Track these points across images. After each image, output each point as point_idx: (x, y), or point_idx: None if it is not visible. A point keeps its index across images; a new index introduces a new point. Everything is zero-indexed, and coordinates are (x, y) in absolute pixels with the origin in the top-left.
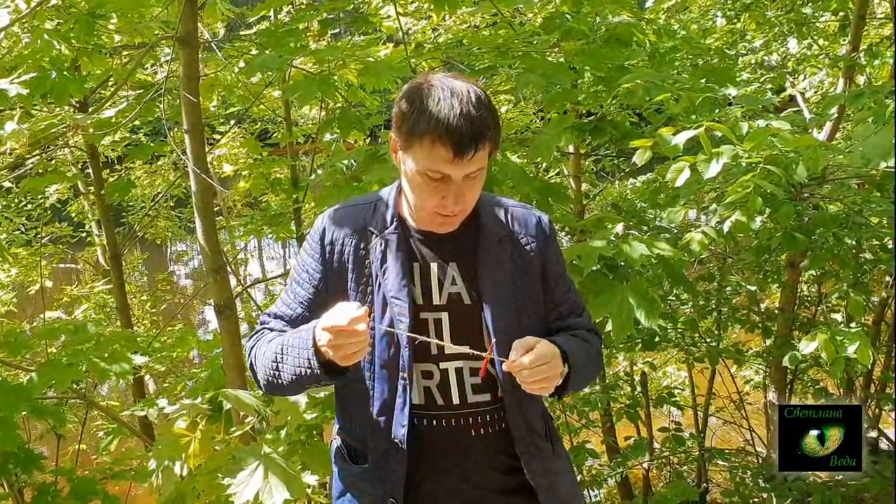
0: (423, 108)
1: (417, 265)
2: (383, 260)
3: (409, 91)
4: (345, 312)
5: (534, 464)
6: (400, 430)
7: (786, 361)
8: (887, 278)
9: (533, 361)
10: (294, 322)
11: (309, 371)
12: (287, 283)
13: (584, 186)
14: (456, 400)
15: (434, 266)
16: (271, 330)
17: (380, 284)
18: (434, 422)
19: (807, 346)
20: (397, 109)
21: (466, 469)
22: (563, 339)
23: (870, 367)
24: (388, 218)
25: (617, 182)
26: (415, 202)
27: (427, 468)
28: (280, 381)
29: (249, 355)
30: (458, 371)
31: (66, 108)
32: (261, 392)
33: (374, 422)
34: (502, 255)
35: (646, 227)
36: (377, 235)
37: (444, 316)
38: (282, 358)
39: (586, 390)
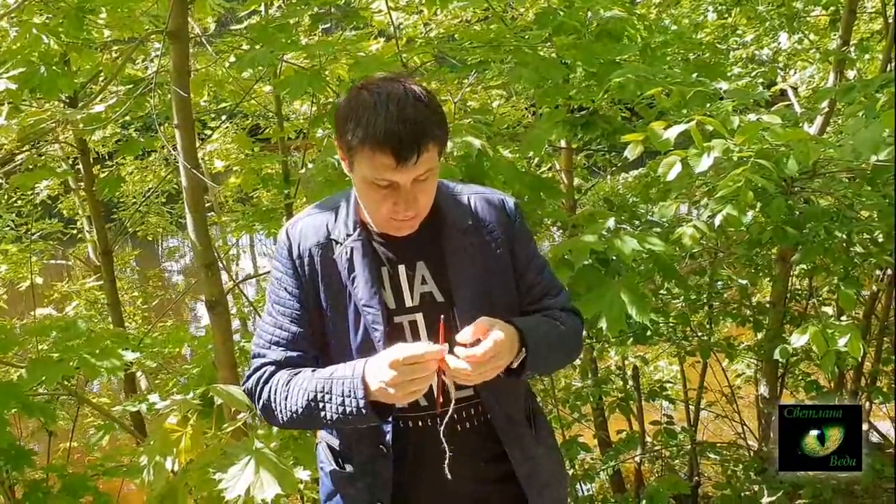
0: (360, 117)
1: (385, 269)
2: (350, 269)
3: (346, 100)
4: (417, 347)
5: (514, 451)
6: (385, 436)
7: (776, 355)
8: (877, 272)
9: (479, 362)
10: (293, 342)
11: (357, 418)
12: (266, 311)
13: (576, 181)
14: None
15: (402, 268)
16: (276, 364)
17: (349, 293)
18: (420, 423)
19: (798, 340)
20: (336, 119)
21: (452, 464)
22: (526, 319)
23: (860, 360)
24: (350, 225)
25: (609, 177)
26: (368, 212)
27: (414, 468)
28: (315, 423)
29: (258, 397)
30: (439, 371)
31: (56, 103)
32: (277, 426)
33: (358, 428)
34: (469, 246)
35: (637, 222)
36: (341, 244)
37: (419, 317)
38: (318, 405)
39: (577, 384)
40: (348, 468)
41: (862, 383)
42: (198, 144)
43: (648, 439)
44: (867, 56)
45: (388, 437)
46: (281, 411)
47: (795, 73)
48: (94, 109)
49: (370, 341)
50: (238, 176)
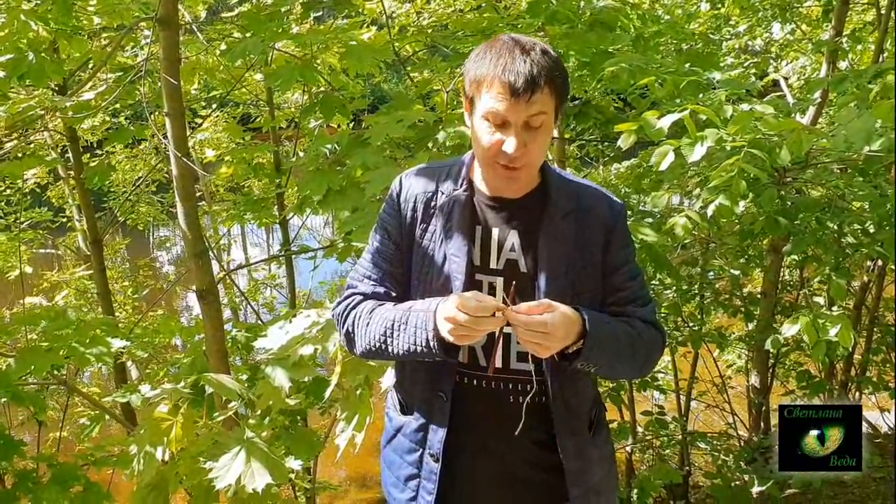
0: (488, 55)
1: (479, 228)
2: (448, 218)
3: (479, 46)
4: (489, 299)
5: (566, 443)
6: (444, 383)
7: (767, 345)
8: (868, 263)
9: (528, 323)
10: (383, 279)
11: (426, 350)
12: (369, 243)
13: (570, 171)
14: (498, 363)
15: (496, 231)
16: (364, 295)
17: (443, 241)
18: (475, 381)
19: (789, 330)
20: (467, 62)
21: (503, 435)
22: (596, 313)
23: (851, 350)
24: (459, 180)
25: (601, 167)
26: (479, 153)
27: (467, 426)
28: (387, 352)
29: (343, 322)
30: (506, 336)
31: (45, 90)
32: (354, 355)
33: (423, 374)
34: (566, 230)
35: (630, 212)
36: (446, 195)
37: (499, 281)
38: (393, 334)
39: None
40: (409, 415)
41: (852, 373)
42: (188, 133)
43: (640, 429)
44: (860, 47)
45: (448, 384)
46: (361, 337)
47: (788, 63)
48: (83, 97)
49: (448, 290)
50: (229, 165)
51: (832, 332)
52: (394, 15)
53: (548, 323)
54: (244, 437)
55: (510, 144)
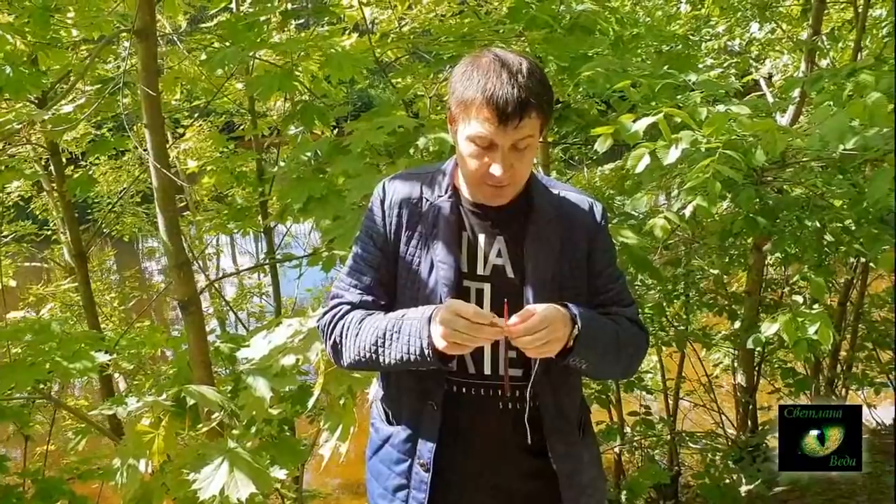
0: (473, 76)
1: (466, 234)
2: (434, 225)
3: (463, 61)
4: (487, 313)
5: (558, 446)
6: (434, 392)
7: (749, 344)
8: (851, 259)
9: (530, 327)
10: (370, 288)
11: (419, 359)
12: (352, 252)
13: (553, 175)
14: (487, 370)
15: (482, 237)
16: (351, 305)
17: (429, 248)
18: (464, 389)
19: (768, 328)
20: (452, 79)
21: (493, 444)
22: (583, 308)
23: (837, 347)
24: (444, 187)
25: (586, 170)
26: (465, 171)
27: (456, 435)
28: (377, 363)
29: (330, 333)
30: (495, 342)
31: (25, 103)
32: (341, 366)
33: (411, 384)
34: (550, 234)
35: (612, 214)
36: (431, 202)
37: (487, 287)
38: (385, 343)
39: None
40: (396, 425)
41: (838, 370)
42: (171, 143)
43: (628, 430)
44: (841, 45)
45: (439, 393)
46: (349, 348)
47: (769, 62)
48: (61, 110)
49: (436, 297)
50: (212, 175)
51: (811, 330)
52: (376, 21)
53: (544, 316)
54: (227, 447)
55: (497, 168)
